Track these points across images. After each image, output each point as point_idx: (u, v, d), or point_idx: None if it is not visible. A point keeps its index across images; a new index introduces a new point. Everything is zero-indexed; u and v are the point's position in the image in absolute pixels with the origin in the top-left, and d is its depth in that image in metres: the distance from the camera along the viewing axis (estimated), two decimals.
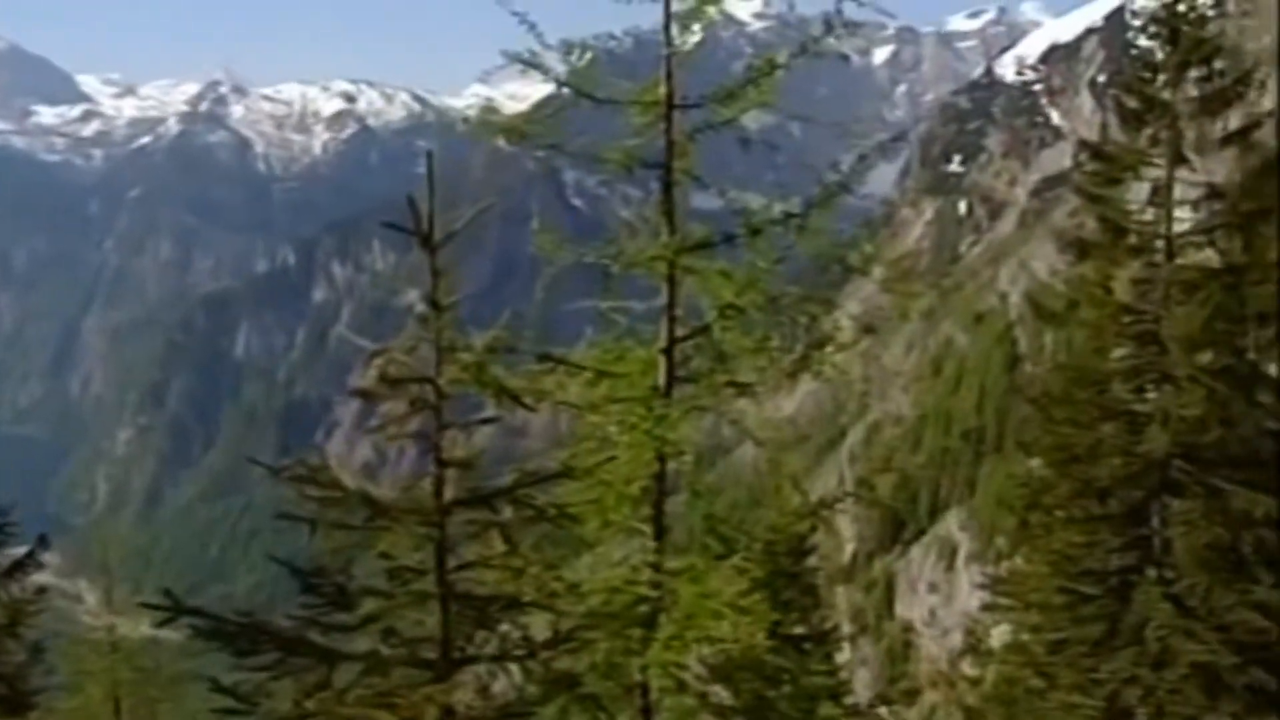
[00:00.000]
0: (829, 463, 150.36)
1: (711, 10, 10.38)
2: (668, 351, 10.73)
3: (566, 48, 10.27)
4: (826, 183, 10.76)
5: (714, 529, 10.90)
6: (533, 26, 10.07)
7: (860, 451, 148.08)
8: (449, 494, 8.81)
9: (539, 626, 9.38)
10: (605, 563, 10.71)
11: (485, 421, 9.41)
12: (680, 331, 10.86)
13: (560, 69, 10.32)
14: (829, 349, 11.18)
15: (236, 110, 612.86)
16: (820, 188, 10.77)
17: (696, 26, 10.50)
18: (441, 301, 8.71)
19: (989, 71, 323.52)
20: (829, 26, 10.48)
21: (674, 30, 10.41)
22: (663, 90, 10.48)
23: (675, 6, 10.32)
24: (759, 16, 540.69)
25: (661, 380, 10.71)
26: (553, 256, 10.79)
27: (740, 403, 11.23)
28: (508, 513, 9.11)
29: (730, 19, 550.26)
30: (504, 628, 9.14)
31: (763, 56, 10.68)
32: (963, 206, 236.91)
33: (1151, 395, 22.17)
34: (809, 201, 10.77)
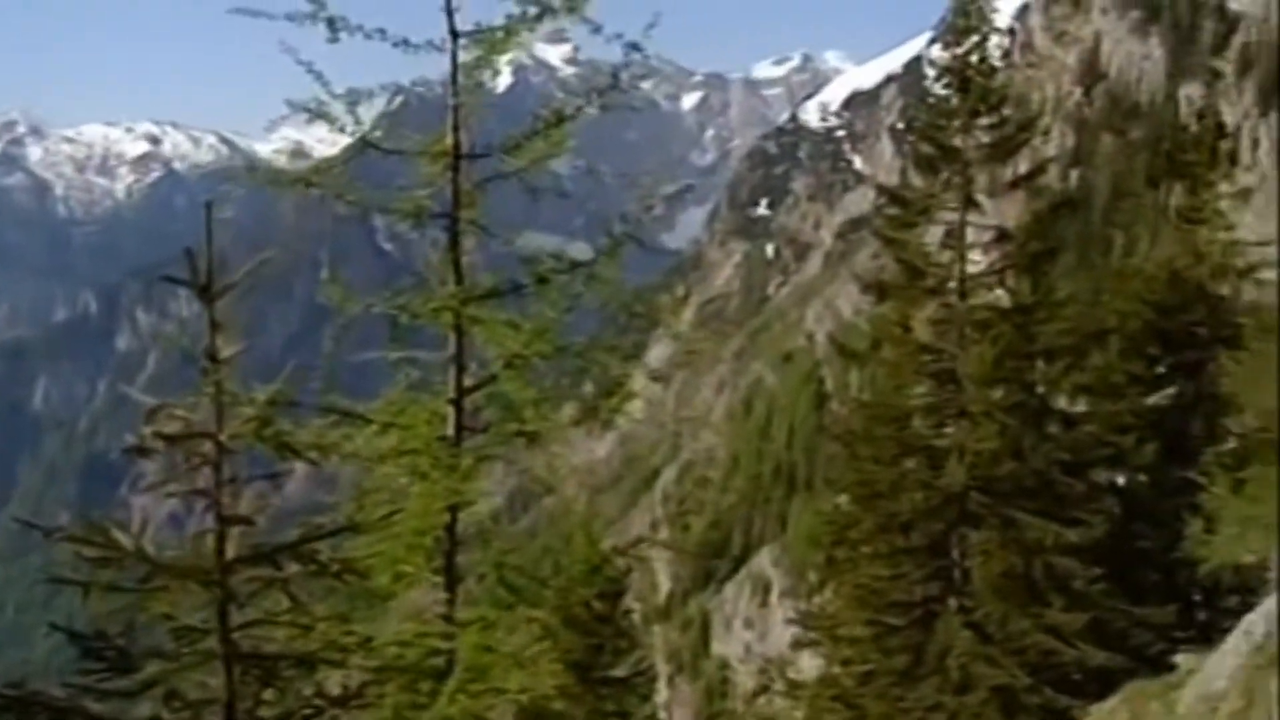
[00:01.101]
0: (643, 503, 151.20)
1: (500, 60, 10.39)
2: (456, 402, 10.68)
3: (353, 97, 10.17)
4: (615, 232, 10.84)
5: (504, 579, 10.85)
6: (319, 76, 9.96)
7: (673, 491, 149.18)
8: (231, 551, 8.64)
9: (333, 683, 9.22)
10: (397, 616, 10.60)
11: (268, 477, 9.26)
12: (470, 381, 10.83)
13: (347, 118, 10.23)
14: (617, 397, 11.25)
15: (34, 152, 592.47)
16: (609, 236, 10.86)
17: (490, 73, 10.51)
18: (220, 354, 8.54)
19: (794, 117, 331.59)
20: (615, 80, 10.57)
21: (461, 80, 10.40)
22: (450, 141, 10.44)
23: (462, 57, 10.31)
24: (570, 61, 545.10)
25: (451, 431, 10.67)
26: (342, 307, 10.68)
27: (551, 449, 11.24)
28: (295, 568, 8.96)
29: (542, 64, 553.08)
30: (295, 685, 8.96)
31: (550, 108, 10.71)
32: (770, 249, 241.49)
33: (949, 430, 22.92)
34: (598, 250, 10.84)
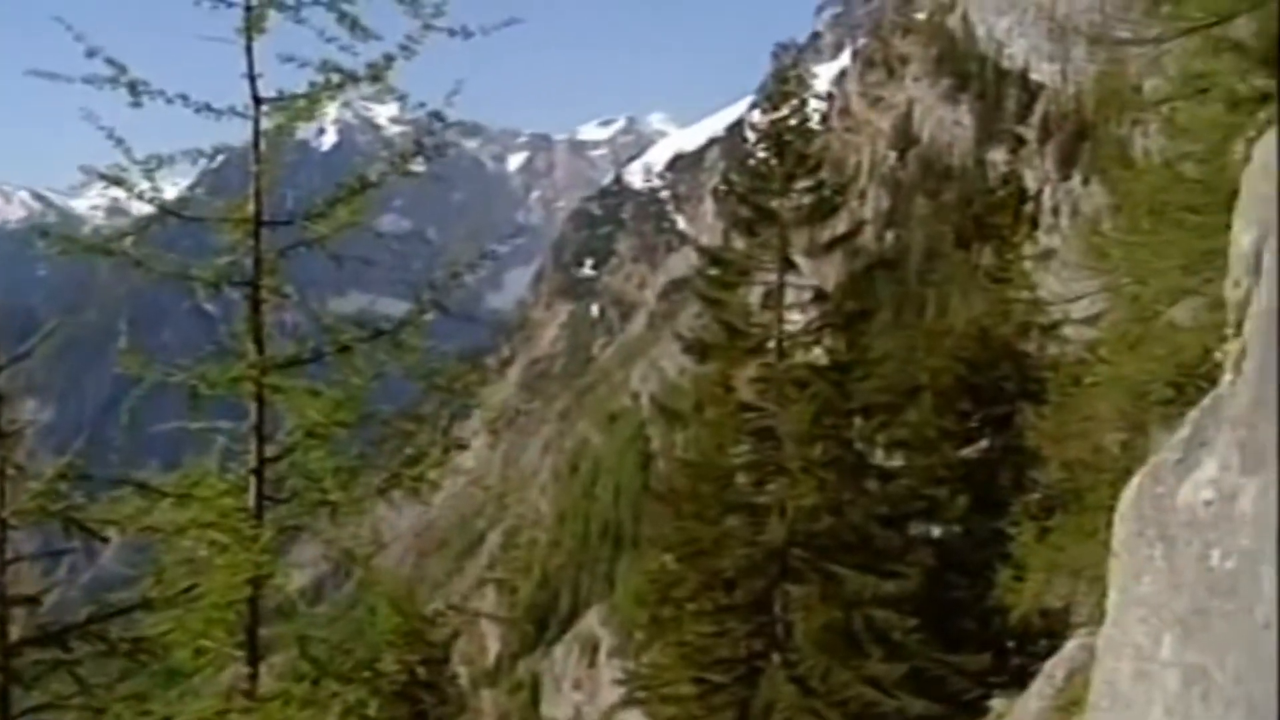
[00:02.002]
0: (469, 566, 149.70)
1: (303, 126, 10.30)
2: (258, 472, 10.50)
3: (151, 163, 9.97)
4: (420, 299, 10.76)
5: (307, 652, 10.64)
6: (120, 141, 9.77)
7: (500, 554, 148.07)
8: (15, 632, 8.35)
9: None
10: (198, 693, 10.32)
11: (54, 554, 9.02)
12: (273, 451, 10.65)
13: (145, 185, 10.02)
14: (422, 466, 11.12)
15: None
16: (417, 302, 10.78)
17: (293, 138, 10.39)
18: (4, 429, 8.26)
19: (619, 179, 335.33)
20: (420, 147, 10.53)
21: (263, 147, 10.29)
22: (251, 208, 10.30)
23: (264, 124, 10.21)
24: (395, 120, 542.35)
25: (252, 501, 10.47)
26: (140, 376, 10.40)
27: (357, 518, 11.06)
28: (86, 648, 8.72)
29: (368, 123, 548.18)
30: None
31: (354, 174, 10.62)
32: (595, 309, 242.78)
33: (770, 488, 23.36)
34: (402, 318, 10.73)
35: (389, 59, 9.79)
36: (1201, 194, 17.67)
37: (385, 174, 10.40)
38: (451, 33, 9.81)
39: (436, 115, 10.44)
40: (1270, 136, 7.41)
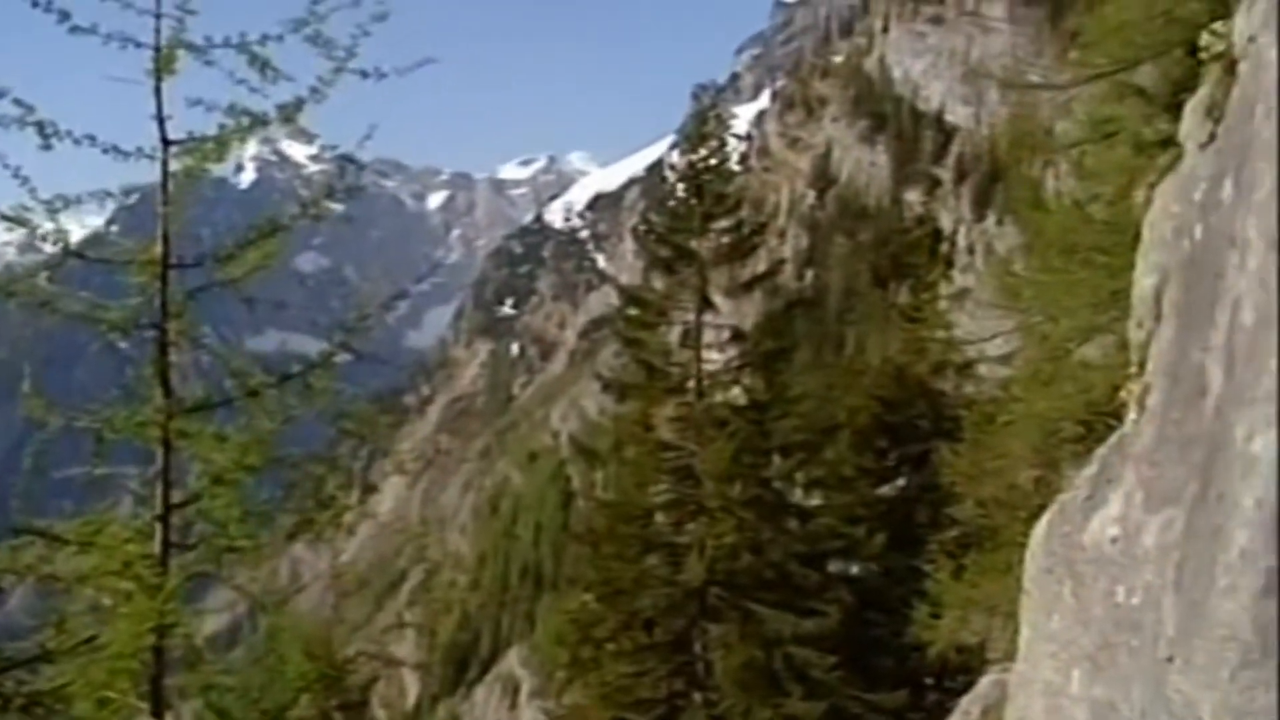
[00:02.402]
0: (389, 606, 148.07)
1: (214, 166, 10.19)
2: (163, 519, 10.33)
3: (57, 204, 9.83)
4: (331, 341, 10.64)
5: (212, 702, 10.46)
6: (26, 180, 9.63)
7: (420, 594, 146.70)
8: None
9: None
10: None
11: None
12: (178, 497, 10.48)
13: (48, 225, 9.86)
14: (331, 511, 10.98)
15: None
16: (329, 345, 10.67)
17: (201, 180, 10.27)
18: None
19: (539, 218, 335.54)
20: (331, 191, 10.45)
21: (172, 189, 10.17)
22: (158, 250, 10.15)
23: (173, 166, 10.09)
24: (315, 159, 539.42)
25: (157, 548, 10.30)
26: (44, 420, 10.19)
27: (265, 564, 10.88)
28: None
29: (285, 160, 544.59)
30: None
31: (264, 216, 10.50)
32: (516, 348, 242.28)
33: (690, 527, 23.40)
34: (312, 361, 10.60)
35: (300, 101, 9.73)
36: (1109, 235, 18.01)
37: (297, 216, 10.29)
38: (364, 75, 9.76)
39: (348, 159, 10.37)
40: (1168, 183, 7.60)
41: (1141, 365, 7.40)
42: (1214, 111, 6.82)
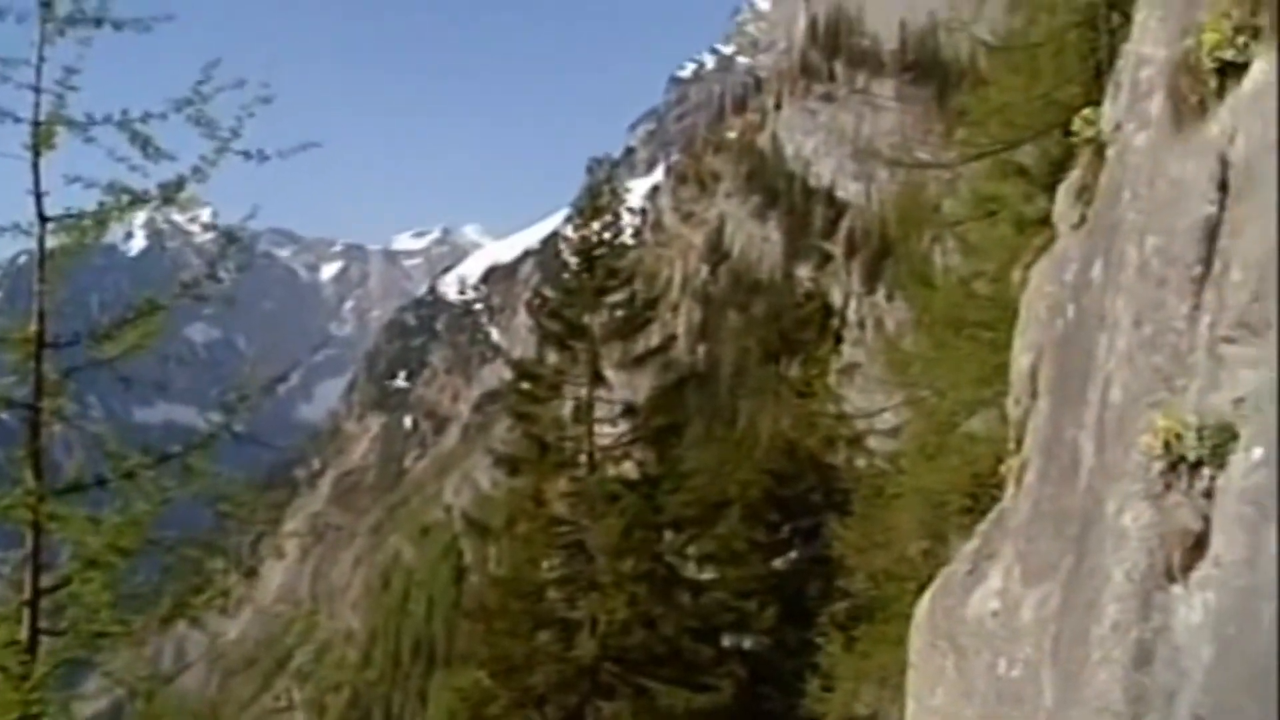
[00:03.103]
0: (277, 684, 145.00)
1: (92, 242, 9.99)
2: (32, 604, 9.98)
3: None
4: (211, 423, 10.40)
5: None
6: None
7: (310, 670, 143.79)
8: None
9: None
10: None
11: None
12: (48, 581, 10.13)
13: None
14: (208, 594, 10.69)
15: None
16: (210, 425, 10.45)
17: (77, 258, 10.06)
18: None
19: (433, 290, 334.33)
20: (212, 270, 10.30)
21: (48, 265, 9.95)
22: (33, 328, 9.90)
23: (50, 243, 9.89)
24: (207, 228, 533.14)
25: (25, 634, 9.93)
26: None
27: (130, 649, 10.54)
28: None
29: (177, 229, 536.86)
30: None
31: (143, 297, 10.29)
32: (408, 421, 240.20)
33: (582, 603, 23.27)
34: (191, 442, 10.36)
35: (181, 180, 9.62)
36: (993, 310, 18.40)
37: (178, 296, 10.12)
38: (247, 155, 9.68)
39: (230, 235, 10.25)
40: (1043, 263, 7.80)
41: (1019, 442, 7.56)
42: (1084, 195, 7.04)
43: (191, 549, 10.56)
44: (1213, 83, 5.43)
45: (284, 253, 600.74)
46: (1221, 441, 5.01)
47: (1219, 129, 5.41)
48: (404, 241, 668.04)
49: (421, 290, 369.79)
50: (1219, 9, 5.41)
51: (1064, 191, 7.50)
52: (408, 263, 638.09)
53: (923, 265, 27.47)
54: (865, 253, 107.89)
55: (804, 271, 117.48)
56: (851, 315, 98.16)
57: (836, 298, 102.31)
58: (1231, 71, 5.39)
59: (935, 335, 21.60)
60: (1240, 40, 5.32)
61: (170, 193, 9.62)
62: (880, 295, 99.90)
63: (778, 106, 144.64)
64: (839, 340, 65.08)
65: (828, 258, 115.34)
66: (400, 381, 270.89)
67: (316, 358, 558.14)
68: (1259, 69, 5.31)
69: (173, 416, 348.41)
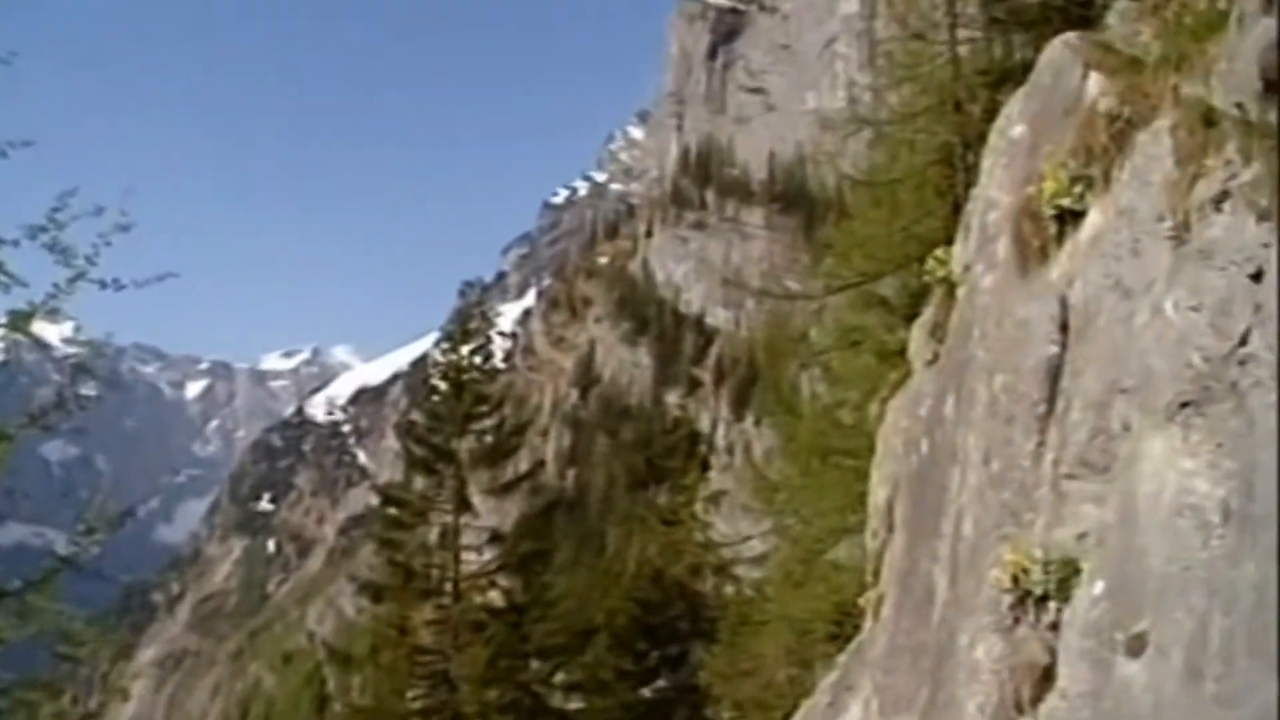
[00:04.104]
0: None
1: None
2: None
3: None
4: (49, 562, 9.96)
5: None
6: None
7: None
8: None
9: None
10: None
11: None
12: None
13: None
14: None
15: None
16: (43, 567, 10.02)
17: None
18: None
19: (301, 410, 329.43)
20: (61, 400, 9.98)
21: None
22: None
23: None
24: (69, 341, 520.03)
25: None
26: None
27: None
28: None
29: (38, 342, 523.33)
30: None
31: None
32: (272, 545, 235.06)
33: None
34: (28, 580, 9.90)
35: (32, 309, 9.41)
36: (856, 439, 18.67)
37: (24, 426, 9.81)
38: (103, 285, 9.50)
39: (82, 368, 10.01)
40: (899, 399, 7.99)
41: (876, 574, 7.67)
42: (937, 332, 7.26)
43: (30, 692, 10.07)
44: (1053, 229, 5.67)
45: (148, 369, 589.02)
46: (1066, 576, 5.15)
47: (1059, 273, 5.64)
48: (272, 361, 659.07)
49: (289, 411, 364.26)
50: (1057, 159, 5.67)
51: (918, 329, 7.73)
52: (275, 383, 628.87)
53: (789, 393, 27.83)
54: (734, 379, 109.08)
55: (673, 397, 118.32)
56: (720, 441, 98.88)
57: (705, 424, 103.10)
58: (1070, 218, 5.64)
59: (801, 463, 21.82)
60: (1077, 190, 5.57)
61: (20, 321, 9.39)
62: (749, 422, 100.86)
63: (649, 233, 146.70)
64: (706, 467, 65.56)
65: (697, 384, 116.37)
66: (264, 504, 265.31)
67: (178, 478, 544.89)
68: (1095, 216, 5.57)
69: (24, 539, 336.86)
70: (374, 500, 36.81)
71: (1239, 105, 4.99)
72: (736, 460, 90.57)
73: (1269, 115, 4.80)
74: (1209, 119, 5.15)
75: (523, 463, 26.84)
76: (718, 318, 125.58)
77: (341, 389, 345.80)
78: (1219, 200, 4.88)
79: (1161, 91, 5.54)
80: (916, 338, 7.76)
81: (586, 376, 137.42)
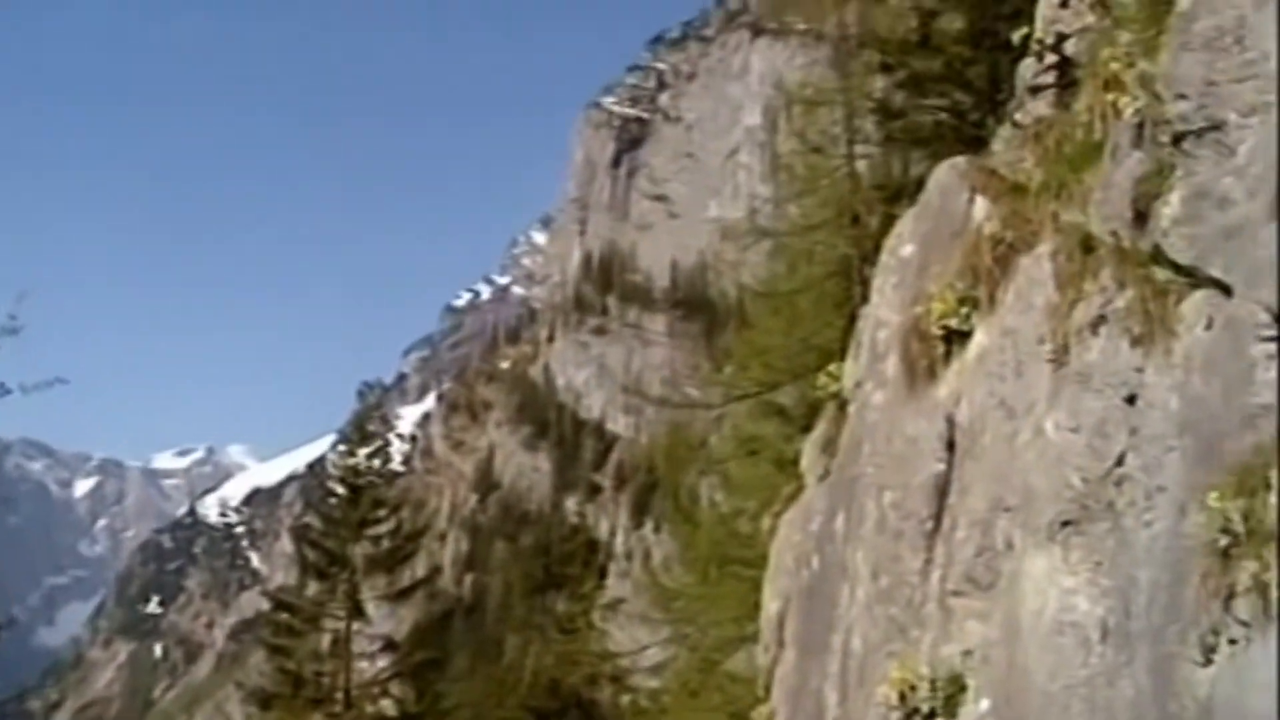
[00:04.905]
0: None
1: None
2: None
3: None
4: None
5: None
6: None
7: None
8: None
9: None
10: None
11: None
12: None
13: None
14: None
15: None
16: None
17: None
18: None
19: (193, 511, 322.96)
20: None
21: None
22: None
23: None
24: None
25: None
26: None
27: None
28: None
29: None
30: None
31: None
32: (159, 649, 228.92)
33: None
34: None
35: None
36: (754, 548, 18.69)
37: None
38: None
39: None
40: (791, 513, 8.05)
41: (768, 689, 7.67)
42: (829, 448, 7.35)
43: None
44: (940, 348, 5.81)
45: (35, 466, 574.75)
46: (952, 693, 5.19)
47: (947, 391, 5.76)
48: (165, 460, 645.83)
49: (181, 511, 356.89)
50: (945, 280, 5.83)
51: (810, 444, 7.82)
52: (168, 482, 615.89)
53: (688, 501, 27.83)
54: (633, 486, 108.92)
55: (573, 503, 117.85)
56: (619, 548, 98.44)
57: (604, 530, 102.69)
58: (957, 338, 5.78)
59: (699, 571, 21.78)
60: (964, 310, 5.72)
61: None
62: (648, 529, 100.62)
63: (551, 338, 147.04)
64: (604, 575, 65.17)
65: (597, 490, 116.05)
66: (152, 607, 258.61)
67: (62, 579, 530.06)
68: (981, 336, 5.71)
69: None
70: (265, 605, 36.10)
71: (1114, 233, 5.17)
72: (635, 567, 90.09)
73: (1140, 243, 4.98)
74: (1087, 245, 5.33)
75: (419, 568, 26.47)
76: (618, 424, 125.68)
77: (236, 489, 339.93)
78: (1096, 325, 5.04)
79: (1043, 217, 5.73)
80: (809, 453, 7.86)
81: (486, 481, 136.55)
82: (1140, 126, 5.14)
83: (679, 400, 26.15)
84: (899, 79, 17.13)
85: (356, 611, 23.05)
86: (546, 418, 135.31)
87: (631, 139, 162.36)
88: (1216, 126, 4.71)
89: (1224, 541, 4.16)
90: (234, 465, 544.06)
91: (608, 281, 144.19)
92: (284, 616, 24.37)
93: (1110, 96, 5.43)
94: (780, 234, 20.77)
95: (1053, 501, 4.98)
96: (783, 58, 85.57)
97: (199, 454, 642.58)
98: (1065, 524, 4.91)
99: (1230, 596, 4.14)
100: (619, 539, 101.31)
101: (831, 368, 7.61)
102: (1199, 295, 4.70)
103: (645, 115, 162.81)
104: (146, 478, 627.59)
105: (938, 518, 5.64)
